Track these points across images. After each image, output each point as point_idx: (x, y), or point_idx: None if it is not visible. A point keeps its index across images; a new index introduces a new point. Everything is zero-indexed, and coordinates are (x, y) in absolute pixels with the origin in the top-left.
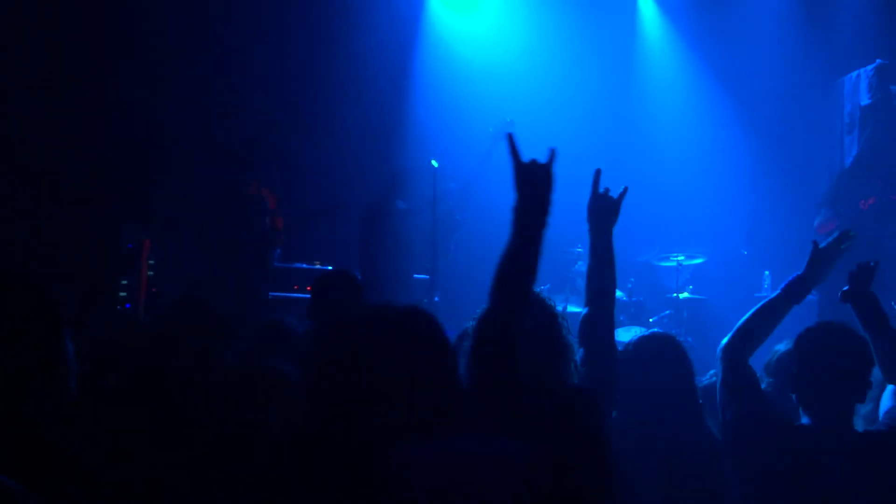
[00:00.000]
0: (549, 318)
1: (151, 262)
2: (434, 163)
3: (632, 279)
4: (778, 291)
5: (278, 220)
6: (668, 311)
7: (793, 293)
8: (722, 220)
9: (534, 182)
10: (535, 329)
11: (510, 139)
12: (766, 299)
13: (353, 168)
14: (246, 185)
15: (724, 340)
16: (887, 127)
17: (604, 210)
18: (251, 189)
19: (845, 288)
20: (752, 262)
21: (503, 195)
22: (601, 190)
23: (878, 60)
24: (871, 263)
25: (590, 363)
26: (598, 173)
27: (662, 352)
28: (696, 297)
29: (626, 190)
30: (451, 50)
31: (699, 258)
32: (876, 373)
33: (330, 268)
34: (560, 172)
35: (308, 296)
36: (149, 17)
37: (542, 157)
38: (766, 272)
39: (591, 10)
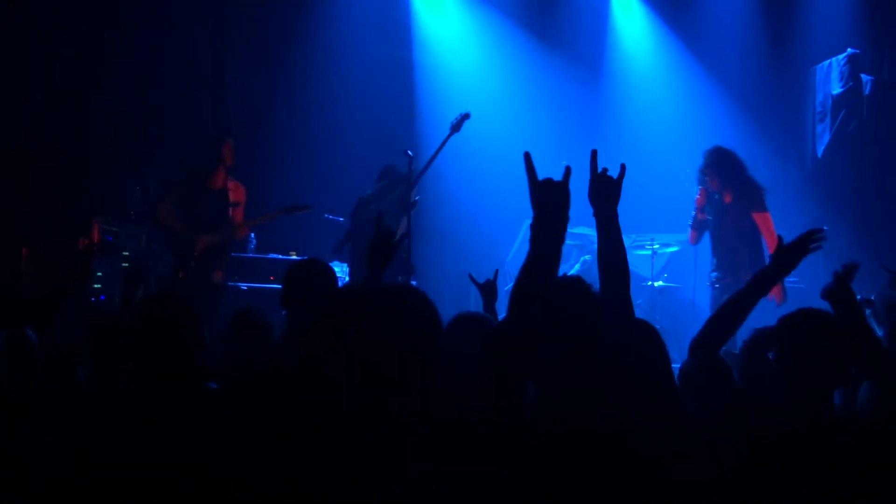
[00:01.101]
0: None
1: (126, 253)
2: (409, 152)
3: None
4: (745, 285)
5: (238, 213)
6: (641, 300)
7: (758, 286)
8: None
9: (551, 200)
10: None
11: (527, 158)
12: (734, 294)
13: (332, 165)
14: (217, 166)
15: (695, 335)
16: (858, 116)
17: (606, 190)
18: (225, 157)
19: (825, 286)
20: None
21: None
22: (599, 170)
23: (849, 49)
24: (853, 264)
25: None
26: (594, 154)
27: (639, 336)
28: (671, 285)
29: (624, 168)
30: (429, 45)
31: (674, 247)
32: None
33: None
34: (539, 160)
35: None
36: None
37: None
38: None
39: None
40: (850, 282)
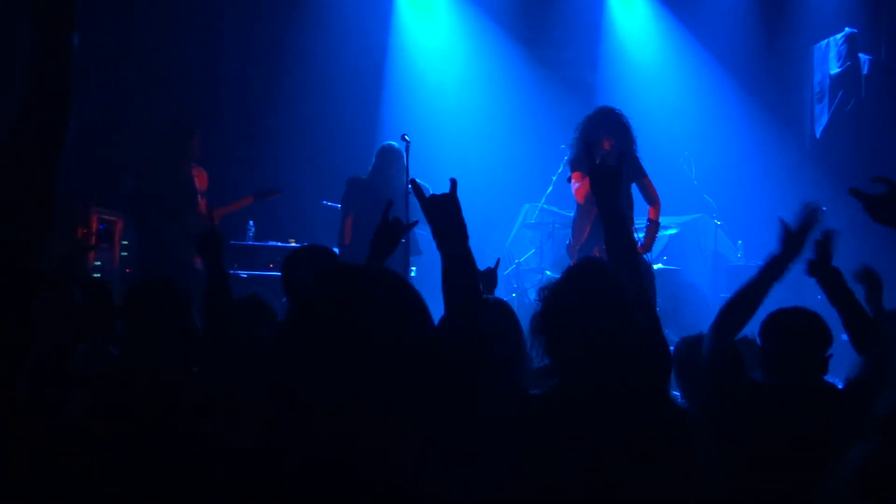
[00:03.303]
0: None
1: (125, 242)
2: (406, 137)
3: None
4: (757, 273)
5: (202, 202)
6: None
7: (771, 272)
8: (694, 191)
9: (441, 211)
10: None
11: (414, 184)
12: (747, 281)
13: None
14: (182, 156)
15: (713, 320)
16: (856, 95)
17: (605, 179)
18: (191, 151)
19: (810, 259)
20: (726, 232)
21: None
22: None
23: (847, 28)
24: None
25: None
26: (592, 144)
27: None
28: (670, 267)
29: (623, 155)
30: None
31: (672, 229)
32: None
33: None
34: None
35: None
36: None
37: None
38: (739, 241)
39: None
40: (830, 253)
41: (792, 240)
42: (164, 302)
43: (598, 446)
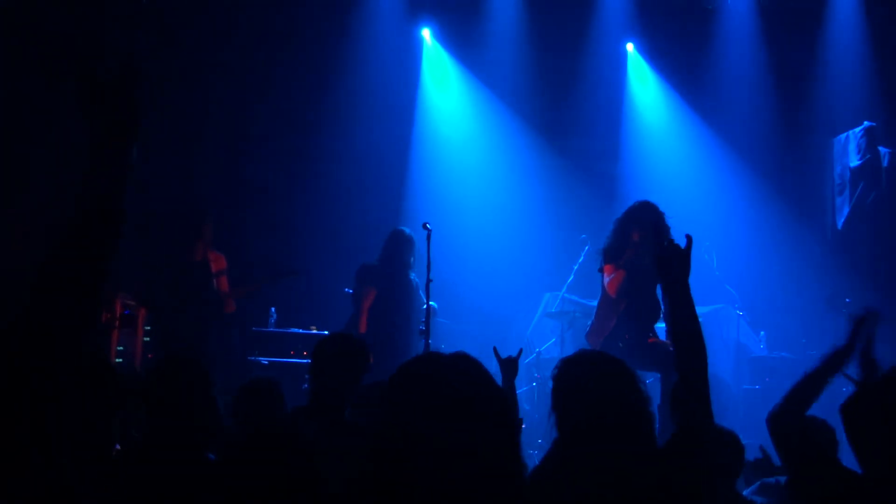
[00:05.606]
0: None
1: (147, 328)
2: (427, 226)
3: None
4: (819, 363)
5: (223, 281)
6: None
7: (834, 364)
8: (716, 281)
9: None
10: None
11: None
12: (809, 371)
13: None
14: (195, 241)
15: (772, 412)
16: (877, 188)
17: (674, 263)
18: (204, 236)
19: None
20: (748, 323)
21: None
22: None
23: (865, 122)
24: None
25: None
26: (657, 227)
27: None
28: None
29: (690, 239)
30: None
31: None
32: None
33: (326, 332)
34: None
35: (304, 360)
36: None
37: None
38: (762, 332)
39: (583, 61)
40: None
41: (856, 332)
42: (187, 383)
43: None
